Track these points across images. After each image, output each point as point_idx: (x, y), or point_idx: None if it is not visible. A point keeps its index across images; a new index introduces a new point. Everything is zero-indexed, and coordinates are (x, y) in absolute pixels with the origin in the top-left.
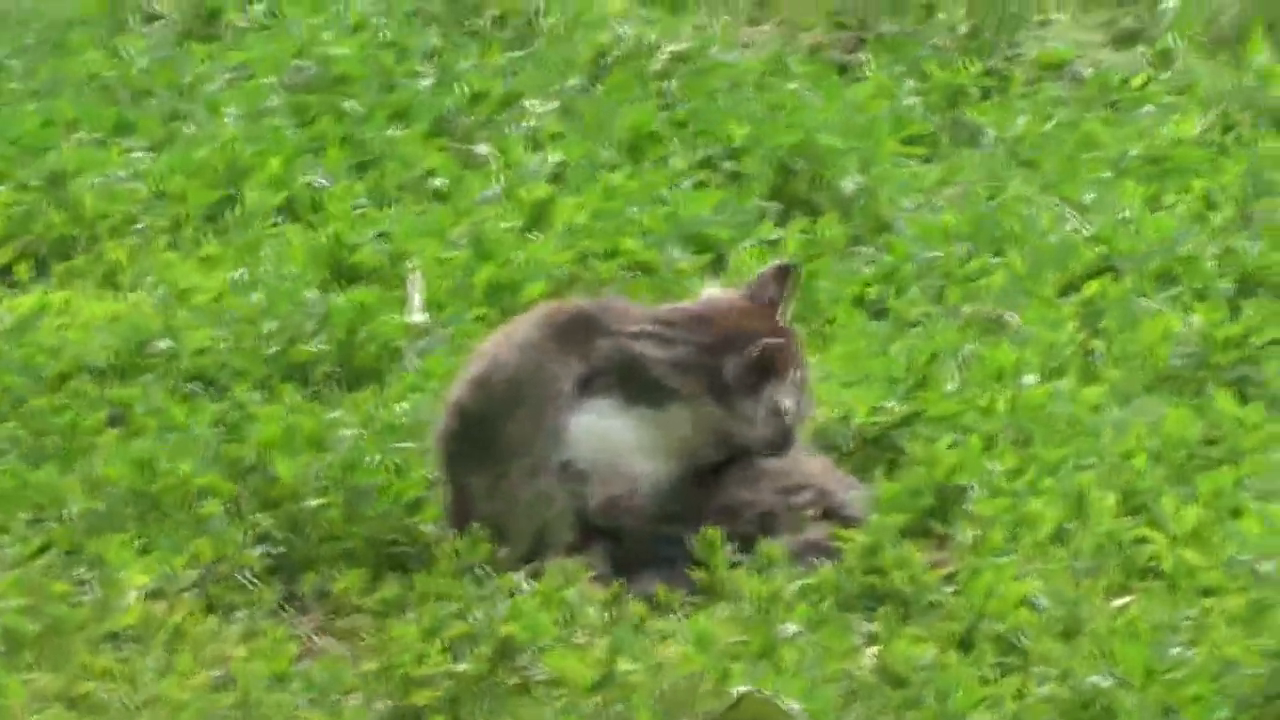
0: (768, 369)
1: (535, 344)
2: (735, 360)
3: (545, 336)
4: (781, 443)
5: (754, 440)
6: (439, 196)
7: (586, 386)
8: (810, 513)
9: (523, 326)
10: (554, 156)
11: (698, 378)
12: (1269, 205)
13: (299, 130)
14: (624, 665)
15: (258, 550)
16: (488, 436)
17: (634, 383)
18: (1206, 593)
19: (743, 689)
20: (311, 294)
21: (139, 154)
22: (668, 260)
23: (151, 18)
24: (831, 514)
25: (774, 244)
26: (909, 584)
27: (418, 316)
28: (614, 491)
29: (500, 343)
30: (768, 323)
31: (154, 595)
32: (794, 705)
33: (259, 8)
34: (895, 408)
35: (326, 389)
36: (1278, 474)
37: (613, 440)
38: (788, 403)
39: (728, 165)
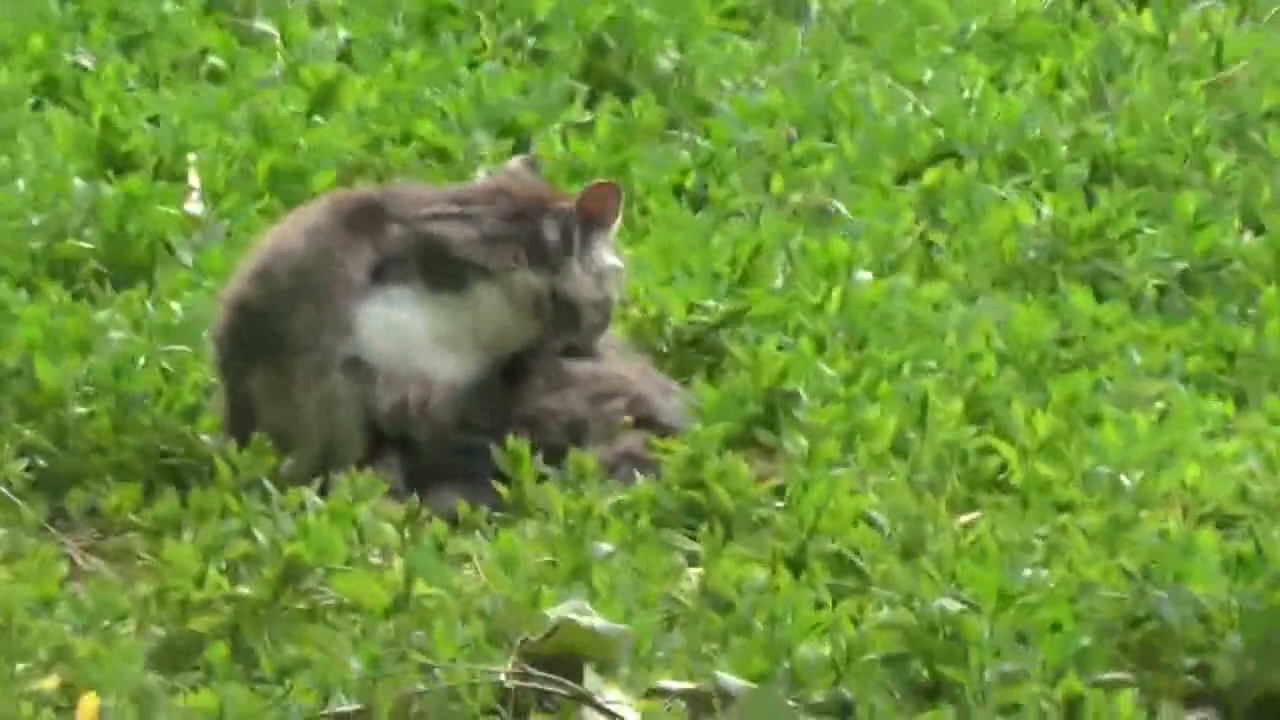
0: (594, 219)
1: (322, 230)
2: (555, 214)
3: (332, 223)
4: (608, 313)
5: (584, 305)
6: (216, 77)
7: (379, 276)
8: (624, 421)
9: (308, 215)
10: (341, 33)
11: (510, 248)
12: (1124, 84)
13: (60, 4)
14: (422, 589)
15: (19, 463)
16: (270, 333)
17: (435, 268)
18: (1061, 508)
19: (558, 613)
20: (77, 184)
21: None
22: (468, 146)
23: None
24: (647, 422)
25: (584, 127)
26: (733, 499)
27: (193, 207)
28: (407, 394)
29: (283, 232)
30: (567, 194)
31: None
32: (618, 628)
33: None
34: (717, 306)
35: (94, 287)
36: (1137, 377)
37: (407, 333)
38: (616, 261)
39: (532, 42)
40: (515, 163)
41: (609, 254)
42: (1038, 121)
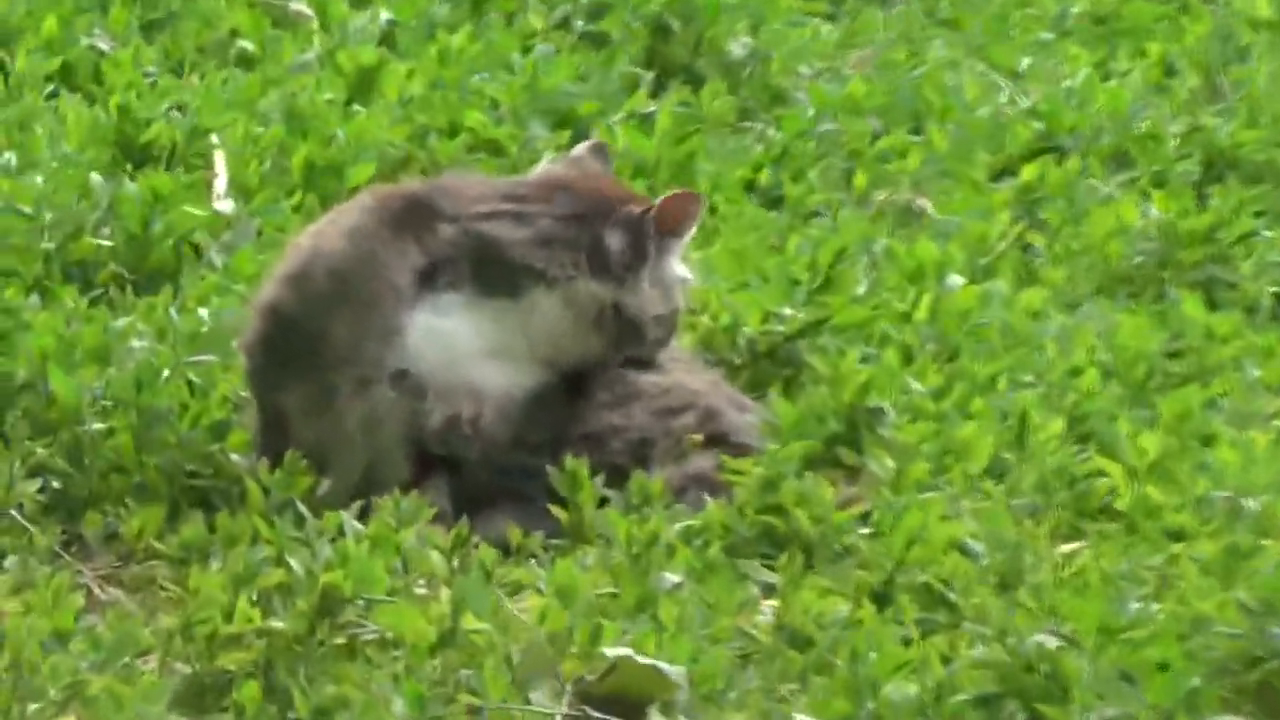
0: (668, 229)
1: (364, 231)
2: (623, 221)
3: (376, 223)
4: (674, 326)
5: (648, 320)
6: (246, 62)
7: (428, 281)
8: (693, 439)
9: (348, 213)
10: (382, 14)
11: (570, 253)
12: (1240, 74)
13: None
14: (471, 622)
15: (32, 485)
16: (307, 343)
17: (488, 272)
18: (1173, 536)
19: (616, 651)
20: (95, 179)
21: None
22: (521, 139)
23: None
24: (719, 440)
25: (647, 118)
26: (814, 525)
27: (222, 205)
28: (458, 409)
29: (322, 232)
30: (633, 191)
31: None
32: (678, 670)
33: None
34: (794, 315)
35: (113, 292)
36: (1254, 393)
37: (458, 342)
38: (685, 273)
39: (584, 25)
40: (581, 150)
41: (679, 264)
42: (1146, 113)
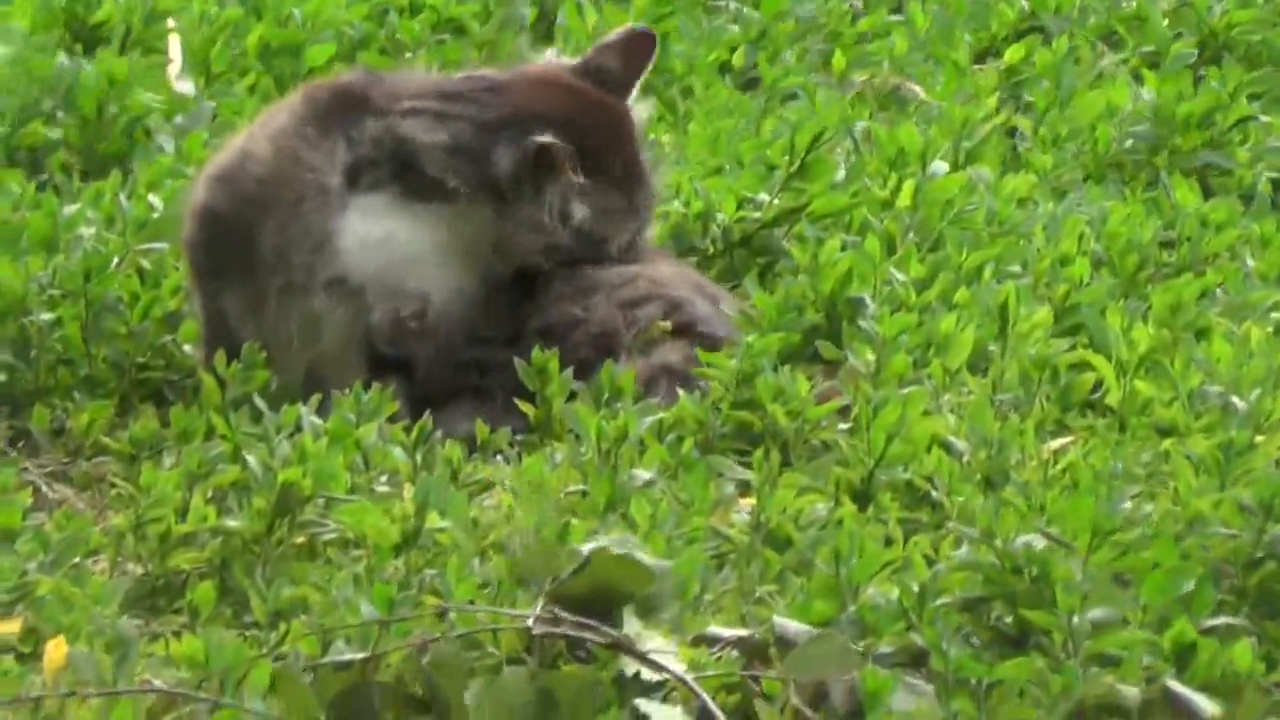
0: (547, 169)
1: (291, 131)
2: (506, 153)
3: (302, 120)
4: (578, 253)
5: (537, 252)
6: None
7: (355, 180)
8: (660, 325)
9: (278, 113)
10: None
11: (472, 169)
12: None
13: None
14: (435, 521)
15: None
16: (239, 248)
17: (408, 174)
18: (1164, 433)
19: (590, 545)
20: (43, 60)
21: None
22: (483, 16)
23: None
24: (686, 331)
25: None
26: (791, 421)
27: (183, 86)
28: (402, 312)
29: (252, 133)
30: (571, 101)
31: None
32: (660, 563)
33: None
34: (771, 201)
35: (61, 178)
36: (1250, 284)
37: (393, 248)
38: (577, 209)
39: None
40: (616, 36)
41: (576, 200)
42: None
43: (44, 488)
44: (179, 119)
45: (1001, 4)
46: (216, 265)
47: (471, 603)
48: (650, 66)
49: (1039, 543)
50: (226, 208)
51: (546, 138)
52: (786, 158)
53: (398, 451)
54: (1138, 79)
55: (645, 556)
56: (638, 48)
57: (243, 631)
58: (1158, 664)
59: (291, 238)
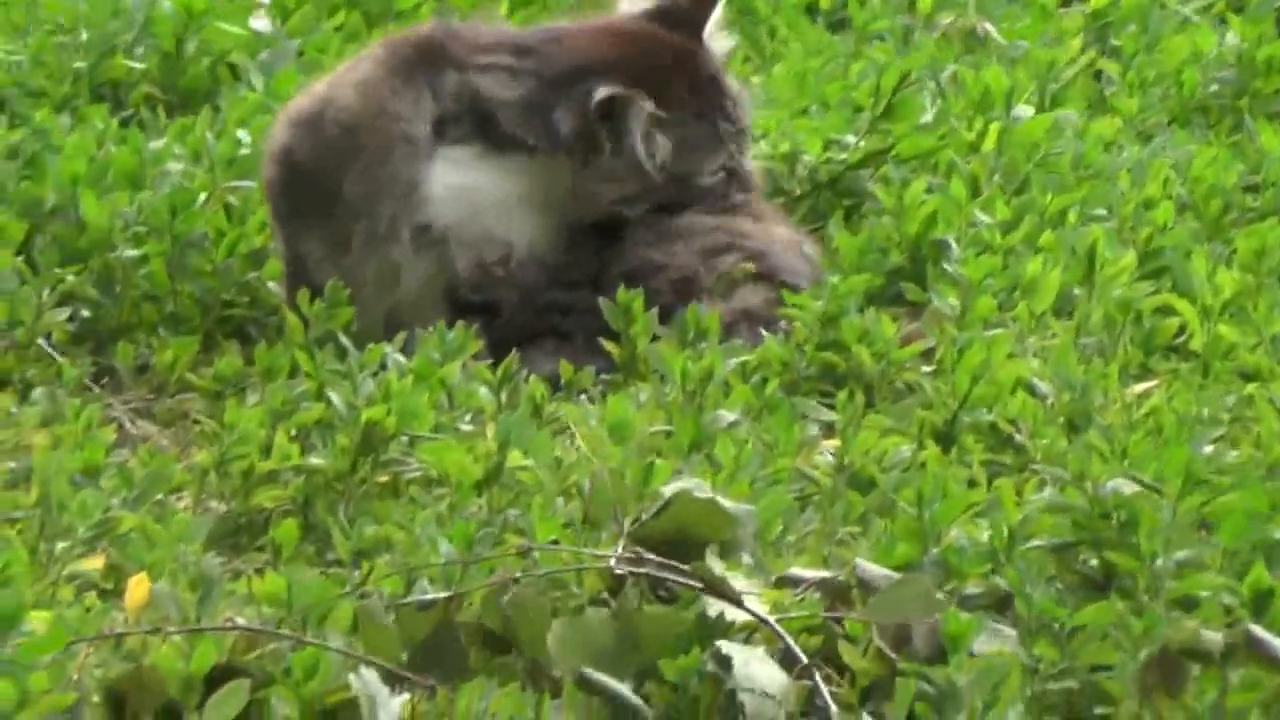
0: (620, 117)
1: (374, 82)
2: (567, 112)
3: (386, 72)
4: (669, 191)
5: (617, 202)
6: None
7: (440, 132)
8: (744, 267)
9: (362, 62)
10: None
11: (543, 125)
12: None
13: None
14: (518, 460)
15: (60, 314)
16: (321, 193)
17: (488, 127)
18: (1249, 377)
19: (673, 487)
20: None
21: None
22: None
23: None
24: (770, 278)
25: None
26: (875, 362)
27: (259, 23)
28: (485, 260)
29: (336, 81)
30: (633, 45)
31: None
32: (744, 507)
33: None
34: (856, 143)
35: (147, 113)
36: None
37: (479, 197)
38: (660, 146)
39: None
40: None
41: (654, 140)
42: None
43: (128, 424)
44: (264, 55)
45: None
46: (297, 209)
47: (555, 542)
48: (720, 4)
49: (1126, 487)
50: (309, 153)
51: (608, 90)
52: (872, 99)
53: (482, 390)
54: (1222, 23)
55: (726, 501)
56: None
57: (325, 570)
58: (1238, 609)
59: (378, 185)
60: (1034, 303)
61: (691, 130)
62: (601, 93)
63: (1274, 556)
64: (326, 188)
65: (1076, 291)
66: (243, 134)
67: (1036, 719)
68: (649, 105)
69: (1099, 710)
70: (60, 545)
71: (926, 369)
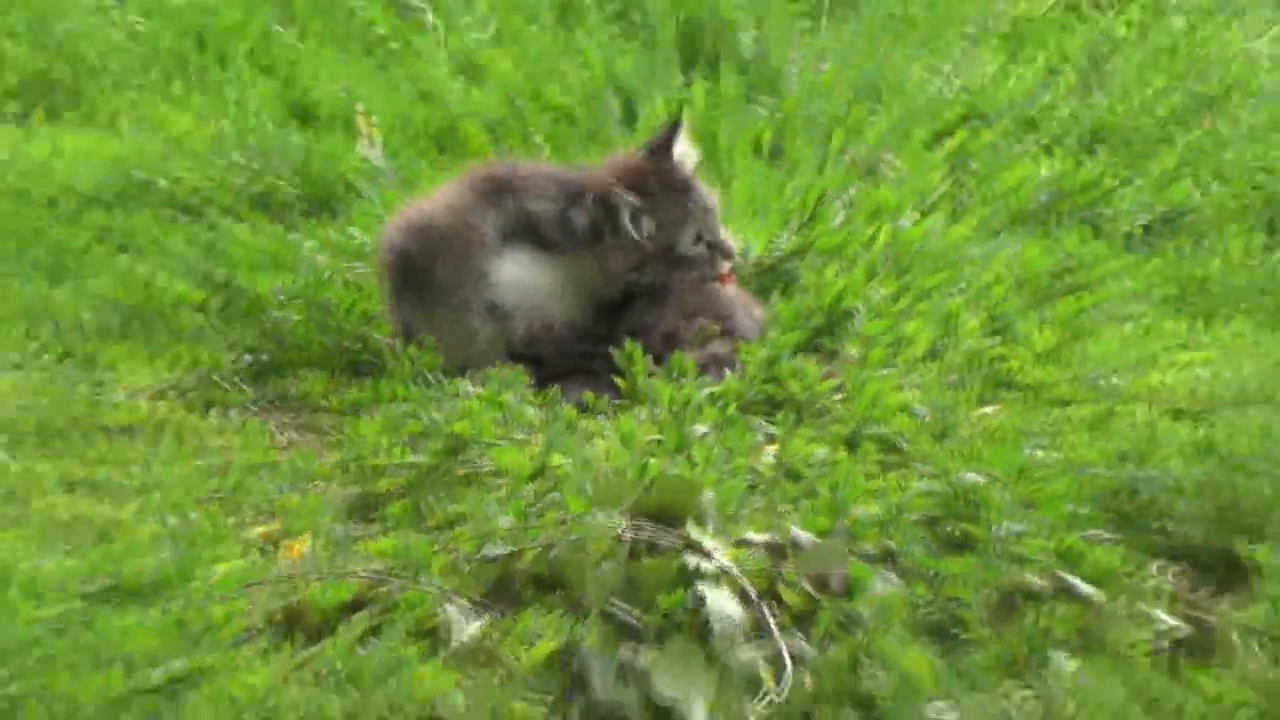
0: (608, 211)
1: (461, 201)
2: (577, 215)
3: (469, 195)
4: (660, 261)
5: (630, 271)
6: (384, 47)
7: (505, 238)
8: (711, 328)
9: (452, 188)
10: (487, 15)
11: (565, 229)
12: (1110, 68)
13: None
14: (557, 459)
15: (233, 356)
16: (422, 277)
17: (536, 235)
18: (1061, 403)
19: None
20: (273, 130)
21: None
22: (587, 109)
23: None
24: (730, 332)
25: (680, 99)
26: (803, 392)
27: (371, 154)
28: (535, 327)
29: (435, 200)
30: (621, 168)
31: (142, 394)
32: (708, 491)
33: None
34: (789, 240)
35: (291, 216)
36: (1123, 301)
37: (529, 283)
38: (645, 224)
39: (643, 28)
40: (663, 123)
41: (641, 225)
42: (1043, 96)
43: (281, 435)
44: (376, 179)
45: (951, 101)
46: (405, 287)
47: (581, 516)
48: (678, 134)
49: (975, 478)
50: (416, 249)
51: (597, 190)
52: (799, 210)
53: (531, 410)
54: (1049, 153)
55: (697, 485)
56: (669, 126)
57: (424, 534)
58: (1056, 562)
59: (461, 274)
60: (912, 351)
61: (667, 210)
62: (592, 193)
63: (1076, 526)
64: (426, 273)
65: (942, 344)
66: (357, 231)
67: (914, 637)
68: (630, 196)
69: (957, 632)
70: (239, 517)
71: (838, 397)
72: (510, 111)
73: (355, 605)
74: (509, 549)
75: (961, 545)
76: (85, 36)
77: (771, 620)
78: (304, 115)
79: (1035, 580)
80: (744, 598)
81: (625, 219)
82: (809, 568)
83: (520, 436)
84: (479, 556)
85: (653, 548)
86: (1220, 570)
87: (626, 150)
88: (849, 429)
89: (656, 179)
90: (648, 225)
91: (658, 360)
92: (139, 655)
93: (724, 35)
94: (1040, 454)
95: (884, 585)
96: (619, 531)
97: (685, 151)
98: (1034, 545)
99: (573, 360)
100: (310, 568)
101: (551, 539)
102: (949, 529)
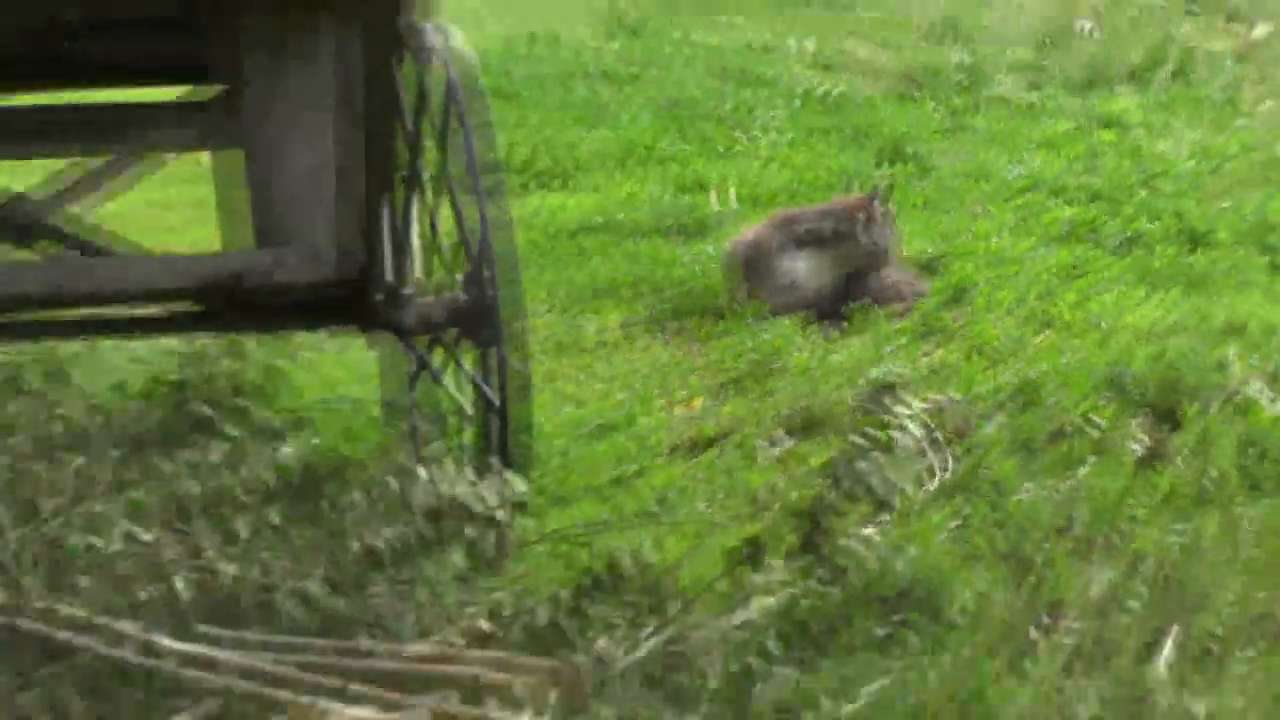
0: (852, 223)
1: (766, 230)
2: (829, 224)
3: (770, 227)
4: (878, 257)
5: (868, 258)
6: (729, 150)
7: (791, 246)
8: (904, 291)
9: (762, 224)
10: (782, 132)
11: (832, 235)
12: (1101, 161)
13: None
14: (819, 362)
15: (654, 310)
16: (752, 267)
17: (806, 242)
18: (1079, 334)
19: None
20: (671, 197)
21: None
22: (831, 183)
23: None
24: (909, 294)
25: (881, 178)
26: (946, 326)
27: (717, 207)
28: (809, 291)
29: (755, 228)
30: (857, 207)
31: (607, 330)
32: (904, 372)
33: None
34: (937, 248)
35: (679, 239)
36: (1109, 281)
37: (804, 269)
38: (877, 234)
39: (856, 141)
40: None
41: (881, 229)
42: (1065, 175)
43: (678, 350)
44: (720, 220)
45: (1019, 177)
46: (746, 272)
47: (839, 386)
48: (879, 193)
49: (1040, 369)
50: (746, 253)
51: (850, 213)
52: (941, 235)
53: (801, 337)
54: (1070, 205)
55: None
56: (874, 190)
57: (751, 402)
58: (1083, 414)
59: (771, 264)
60: (1000, 307)
61: (878, 228)
62: (847, 215)
63: (1094, 395)
64: (754, 265)
65: (1013, 303)
66: (711, 248)
67: (1006, 454)
68: (863, 216)
69: (1029, 447)
70: (662, 389)
71: (963, 327)
72: (795, 184)
73: (722, 435)
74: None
75: (1027, 405)
76: (574, 141)
77: (939, 438)
78: (691, 188)
79: (1071, 420)
80: (926, 429)
81: (870, 231)
82: (954, 417)
83: (800, 351)
84: (782, 414)
85: (870, 408)
86: (1169, 419)
87: (847, 196)
88: (968, 345)
89: (868, 212)
90: (868, 233)
91: (874, 305)
92: (607, 465)
93: (901, 145)
94: (1072, 358)
95: (992, 426)
96: (858, 396)
97: (884, 205)
98: (1068, 403)
99: (828, 308)
100: (699, 415)
101: (822, 397)
102: (1023, 400)
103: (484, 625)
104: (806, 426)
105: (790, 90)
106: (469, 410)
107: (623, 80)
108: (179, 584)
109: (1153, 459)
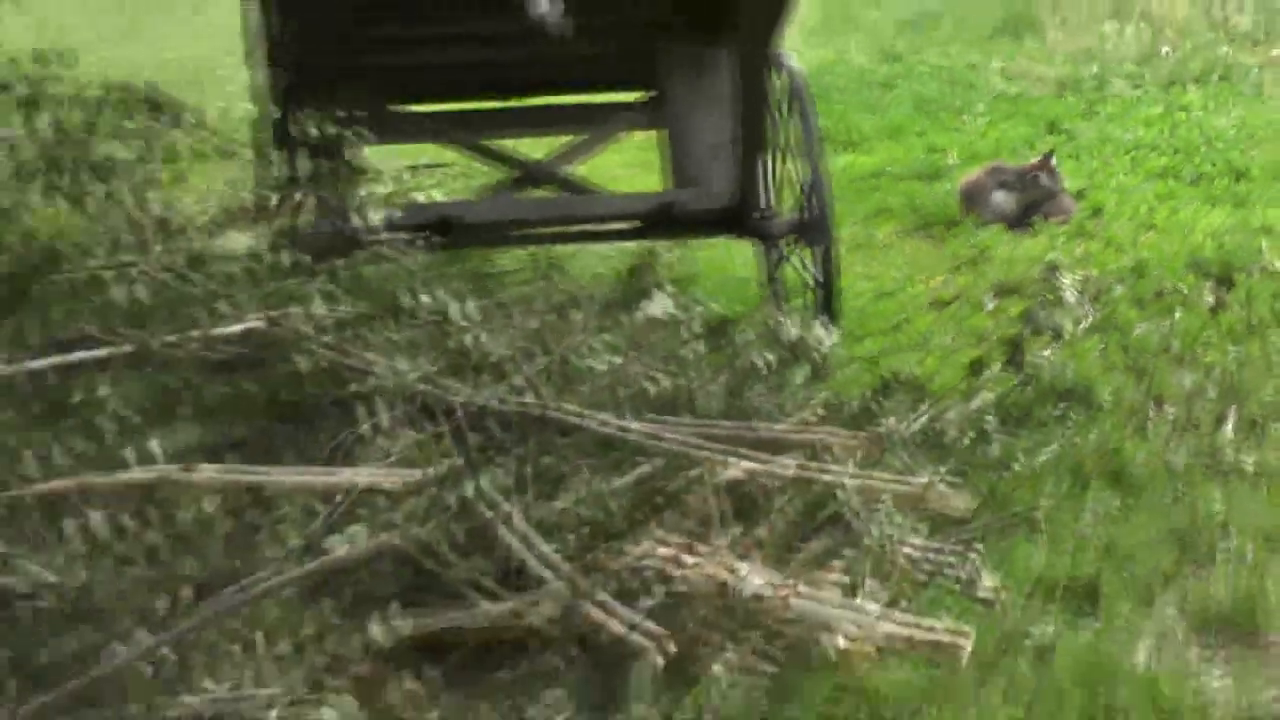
0: (1043, 174)
1: (982, 174)
2: (1033, 174)
3: (983, 173)
4: (1047, 195)
5: (1045, 191)
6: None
7: (997, 187)
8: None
9: (981, 170)
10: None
11: (1024, 181)
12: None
13: None
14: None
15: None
16: (972, 199)
17: (1007, 184)
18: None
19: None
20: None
21: None
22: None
23: None
24: (1068, 210)
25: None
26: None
27: (951, 160)
28: (1005, 213)
29: (978, 172)
30: (1037, 166)
31: None
32: (1063, 259)
33: None
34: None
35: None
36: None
37: (1002, 200)
38: (1052, 181)
39: (1025, 113)
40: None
41: (1052, 176)
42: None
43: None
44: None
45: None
46: (968, 205)
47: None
48: (1052, 154)
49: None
50: (968, 191)
51: (1040, 169)
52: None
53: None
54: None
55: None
56: (1049, 151)
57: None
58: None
59: (985, 197)
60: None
61: (1050, 173)
62: (1037, 170)
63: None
64: (974, 198)
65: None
66: (947, 186)
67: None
68: (1043, 168)
69: (1106, 327)
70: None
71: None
72: (995, 147)
73: (956, 297)
74: (1004, 276)
75: (1139, 277)
76: (861, 123)
77: (1086, 296)
78: (933, 151)
79: (1167, 285)
80: (1079, 291)
81: (1042, 176)
82: (1095, 284)
83: (1002, 246)
84: (992, 284)
85: (1046, 279)
86: (1227, 283)
87: (1030, 158)
88: (1103, 241)
89: (1047, 166)
90: (1045, 178)
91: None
92: (887, 316)
93: (1057, 123)
94: (1166, 249)
95: (1119, 290)
96: (1038, 272)
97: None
98: (1165, 275)
99: (1018, 221)
100: (942, 285)
101: (1017, 273)
102: (1136, 274)
103: (820, 412)
104: (1007, 291)
105: (989, 91)
106: (809, 284)
107: (888, 87)
108: (639, 388)
109: (1217, 307)
